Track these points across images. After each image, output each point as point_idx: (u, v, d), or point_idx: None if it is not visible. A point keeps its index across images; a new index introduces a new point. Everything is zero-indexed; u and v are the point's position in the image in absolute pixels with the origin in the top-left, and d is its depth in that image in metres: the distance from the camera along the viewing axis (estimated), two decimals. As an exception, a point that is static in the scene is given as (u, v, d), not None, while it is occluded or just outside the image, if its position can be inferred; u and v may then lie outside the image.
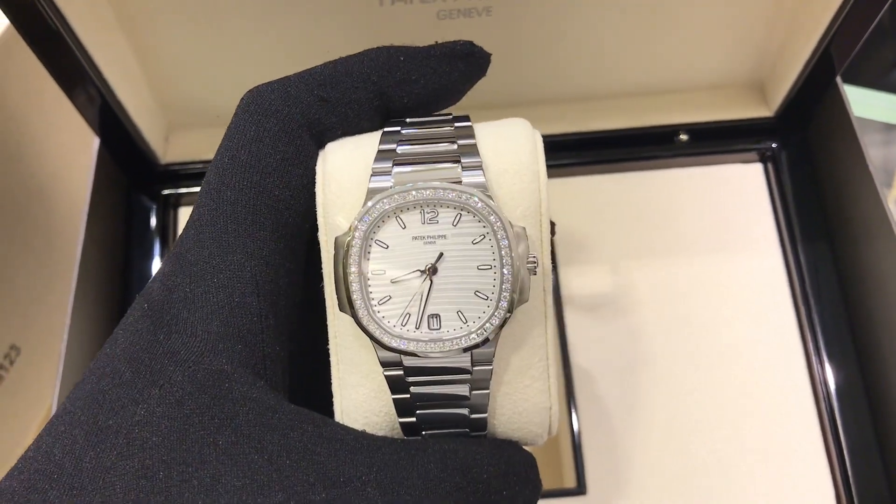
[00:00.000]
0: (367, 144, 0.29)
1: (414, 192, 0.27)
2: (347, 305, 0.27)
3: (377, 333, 0.27)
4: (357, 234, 0.27)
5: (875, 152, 0.69)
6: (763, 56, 0.54)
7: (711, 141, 0.56)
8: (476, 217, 0.27)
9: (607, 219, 0.56)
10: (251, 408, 0.25)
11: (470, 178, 0.27)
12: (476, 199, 0.27)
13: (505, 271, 0.27)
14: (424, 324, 0.27)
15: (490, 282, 0.27)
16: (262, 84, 0.29)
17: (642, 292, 0.54)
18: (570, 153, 0.57)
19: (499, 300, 0.27)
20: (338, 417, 0.30)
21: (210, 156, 0.58)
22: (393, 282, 0.27)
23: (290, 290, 0.28)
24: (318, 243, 0.29)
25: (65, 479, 0.24)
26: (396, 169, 0.27)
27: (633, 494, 0.49)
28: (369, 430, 0.29)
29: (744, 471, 0.49)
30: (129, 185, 0.56)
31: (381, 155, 0.28)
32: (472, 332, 0.27)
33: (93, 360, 0.26)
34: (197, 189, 0.55)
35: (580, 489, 0.49)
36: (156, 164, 0.55)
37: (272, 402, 0.26)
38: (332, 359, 0.29)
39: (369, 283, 0.27)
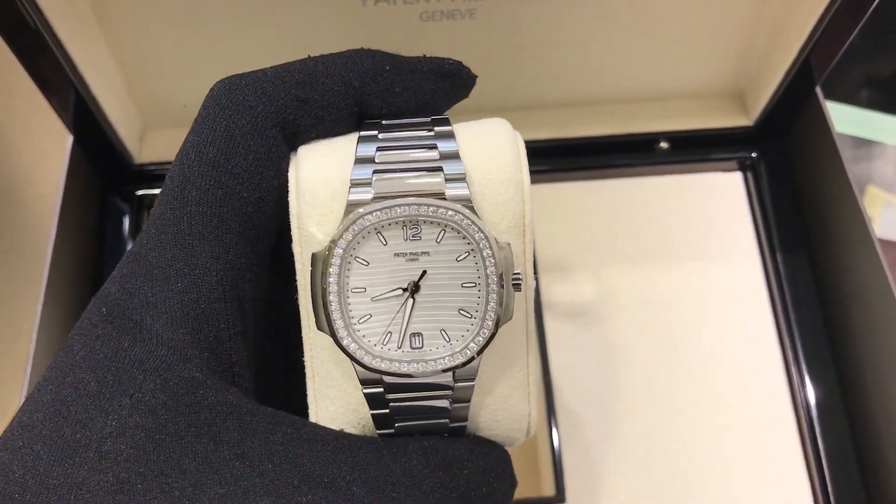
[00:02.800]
0: (341, 150, 0.27)
1: (396, 209, 0.26)
2: (326, 325, 0.26)
3: (357, 354, 0.26)
4: (336, 250, 0.26)
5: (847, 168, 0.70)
6: (744, 65, 0.55)
7: (692, 149, 0.57)
8: (460, 234, 0.26)
9: (587, 226, 0.56)
10: (228, 413, 0.24)
11: (454, 190, 0.26)
12: (461, 216, 0.26)
13: (490, 289, 0.26)
14: (406, 343, 0.26)
15: (475, 300, 0.26)
16: (235, 75, 0.27)
17: (622, 300, 0.54)
18: (549, 159, 0.57)
19: (484, 318, 0.26)
20: None
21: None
22: (374, 300, 0.26)
23: (255, 295, 0.27)
24: (286, 246, 0.28)
25: (29, 499, 0.22)
26: (377, 178, 0.26)
27: (612, 502, 0.49)
28: None
29: (723, 479, 0.49)
30: (103, 185, 0.55)
31: (360, 163, 0.27)
32: (455, 352, 0.26)
33: (47, 369, 0.25)
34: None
35: (559, 497, 0.48)
36: (130, 164, 0.54)
37: (248, 406, 0.25)
38: (308, 371, 0.29)
39: (349, 301, 0.26)
